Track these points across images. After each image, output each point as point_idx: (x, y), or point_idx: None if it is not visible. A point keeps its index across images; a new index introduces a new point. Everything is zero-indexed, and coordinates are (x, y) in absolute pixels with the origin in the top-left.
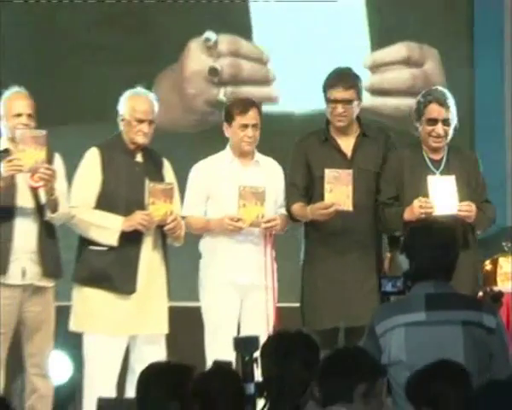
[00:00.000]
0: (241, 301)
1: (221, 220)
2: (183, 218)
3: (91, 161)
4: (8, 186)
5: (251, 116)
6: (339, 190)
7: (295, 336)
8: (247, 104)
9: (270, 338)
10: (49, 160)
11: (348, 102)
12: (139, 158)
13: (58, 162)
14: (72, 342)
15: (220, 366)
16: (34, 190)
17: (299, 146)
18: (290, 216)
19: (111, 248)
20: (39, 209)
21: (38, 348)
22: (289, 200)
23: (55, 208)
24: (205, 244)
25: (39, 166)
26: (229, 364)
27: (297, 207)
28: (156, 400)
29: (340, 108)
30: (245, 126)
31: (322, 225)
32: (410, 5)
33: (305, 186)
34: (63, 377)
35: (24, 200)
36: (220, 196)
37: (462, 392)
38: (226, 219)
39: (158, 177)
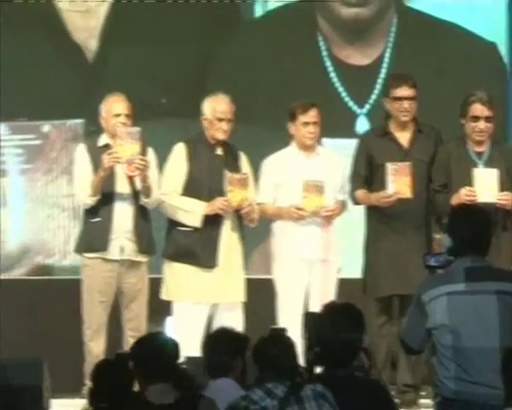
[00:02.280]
0: (309, 273)
1: (288, 209)
2: (258, 204)
3: (179, 153)
4: (108, 175)
5: (311, 115)
6: (400, 181)
7: (344, 308)
8: (308, 105)
9: (323, 309)
10: (143, 152)
11: (412, 98)
12: (219, 151)
13: (151, 154)
14: (164, 309)
15: (277, 332)
16: (130, 179)
17: (361, 140)
18: (353, 200)
19: (195, 229)
20: (135, 195)
21: (135, 314)
22: (353, 187)
23: (148, 194)
24: (276, 225)
25: (135, 158)
26: (284, 330)
27: (361, 194)
28: (221, 358)
29: (405, 104)
30: (306, 124)
31: (383, 209)
32: None
33: (366, 175)
34: None
35: (122, 186)
36: (288, 184)
37: None
38: (292, 208)
39: (235, 168)
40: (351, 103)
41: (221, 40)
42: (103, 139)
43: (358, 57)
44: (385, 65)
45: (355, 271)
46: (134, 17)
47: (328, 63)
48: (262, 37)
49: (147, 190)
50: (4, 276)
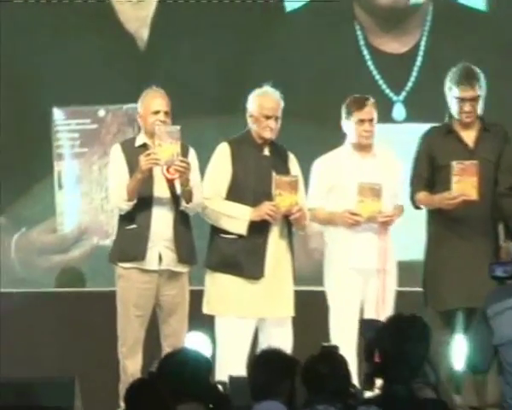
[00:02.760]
0: (364, 284)
1: (342, 214)
2: (309, 209)
3: (222, 154)
4: (146, 178)
5: (367, 111)
6: (465, 181)
7: (410, 320)
8: (363, 100)
9: (387, 321)
10: (184, 153)
11: (475, 99)
12: (266, 152)
13: (192, 156)
14: (206, 324)
15: (328, 350)
16: (170, 182)
17: (423, 139)
18: (414, 203)
19: (240, 236)
20: (175, 199)
21: (174, 330)
22: (415, 189)
23: (189, 199)
24: (329, 233)
25: (174, 160)
26: (335, 347)
27: (423, 196)
28: (268, 379)
29: (467, 106)
30: (362, 121)
31: (446, 212)
32: None
33: (428, 176)
34: None
35: (161, 190)
36: (341, 188)
37: None
38: (346, 213)
39: (284, 169)
40: (387, 91)
41: (260, 33)
42: (140, 139)
43: (395, 45)
44: (421, 53)
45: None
46: (180, 9)
47: (365, 51)
48: (300, 28)
49: (187, 195)
50: (34, 288)
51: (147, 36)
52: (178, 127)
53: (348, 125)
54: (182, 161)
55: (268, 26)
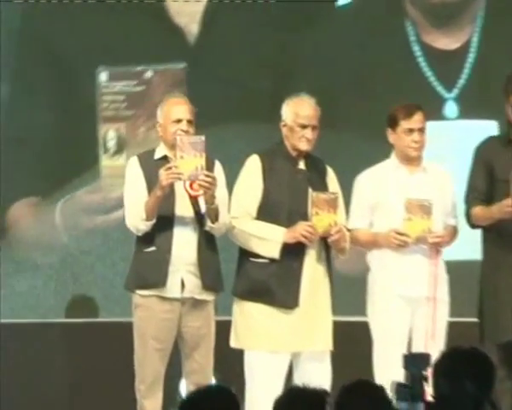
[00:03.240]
0: (412, 314)
1: (387, 234)
2: (349, 230)
3: (252, 168)
4: (166, 195)
5: (416, 120)
6: None
7: (470, 354)
8: (412, 108)
9: (442, 355)
10: (209, 167)
11: None
12: (302, 165)
13: (218, 169)
14: (234, 360)
15: (366, 382)
16: (193, 199)
17: (480, 150)
18: (469, 220)
19: (272, 260)
20: (199, 219)
21: (199, 365)
22: (470, 204)
23: (215, 218)
24: (373, 256)
25: (199, 174)
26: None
27: (479, 210)
28: None
29: None
30: (410, 131)
31: (504, 229)
32: None
33: (486, 190)
34: None
35: (183, 209)
36: (386, 206)
37: None
38: (392, 232)
39: (321, 185)
40: (439, 88)
41: (304, 30)
42: (160, 150)
43: (446, 41)
44: (473, 49)
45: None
46: (229, 7)
47: (415, 48)
48: (347, 25)
49: (213, 213)
50: (40, 319)
51: (196, 31)
52: (203, 137)
53: (394, 135)
54: (207, 176)
55: (316, 22)
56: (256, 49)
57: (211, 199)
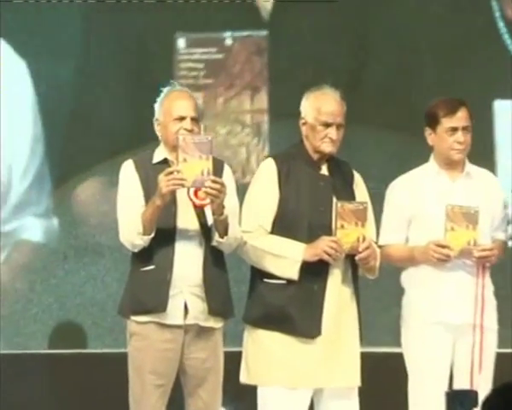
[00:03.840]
0: (454, 344)
1: (425, 248)
2: (380, 246)
3: (267, 174)
4: (167, 204)
5: (460, 117)
6: None
7: None
8: (454, 103)
9: (493, 392)
10: (217, 171)
11: None
12: (324, 170)
13: (227, 174)
14: (245, 397)
15: None
16: (199, 209)
17: None
18: None
19: (291, 281)
20: (205, 232)
21: (205, 404)
22: None
23: (224, 232)
24: (408, 276)
25: (205, 180)
26: None
27: None
28: None
29: None
30: (454, 130)
31: None
32: None
33: None
34: None
35: (186, 221)
36: (424, 217)
37: None
38: (431, 245)
39: (348, 194)
40: None
41: (383, 3)
42: (160, 153)
43: None
44: None
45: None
46: None
47: (500, 24)
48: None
49: (222, 226)
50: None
51: (270, 7)
52: (210, 137)
53: (434, 135)
54: (214, 182)
55: None
56: (332, 25)
57: (219, 209)
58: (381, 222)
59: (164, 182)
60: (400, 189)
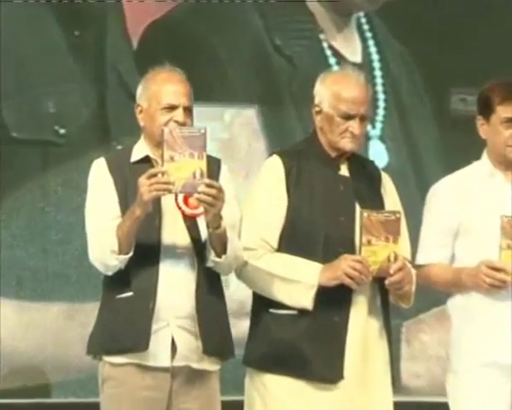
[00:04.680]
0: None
1: (475, 270)
2: (418, 266)
3: (273, 176)
4: (149, 215)
5: None
6: None
7: None
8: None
9: None
10: (213, 172)
11: None
12: (345, 171)
13: (224, 174)
14: None
15: None
16: (190, 221)
17: None
18: None
19: (304, 311)
20: (197, 251)
21: None
22: None
23: (222, 249)
24: (454, 306)
25: (197, 183)
26: None
27: None
28: None
29: None
30: (511, 122)
31: None
32: None
33: None
34: None
35: (174, 236)
36: (475, 230)
37: None
38: (482, 266)
39: (375, 200)
40: None
41: None
42: (140, 149)
43: None
44: None
45: None
46: None
47: None
48: None
49: (219, 242)
50: None
51: None
52: (203, 129)
53: (487, 126)
54: (209, 186)
55: None
56: None
57: (215, 221)
58: (420, 235)
59: (145, 187)
60: (445, 194)
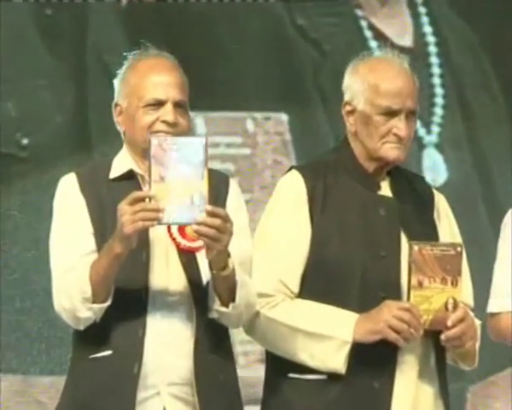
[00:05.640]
0: None
1: None
2: (490, 314)
3: (291, 197)
4: (134, 251)
5: None
6: None
7: None
8: None
9: None
10: (218, 193)
11: None
12: (386, 190)
13: (234, 195)
14: None
15: None
16: (187, 257)
17: None
18: None
19: (334, 376)
20: (196, 297)
21: None
22: None
23: (229, 296)
24: None
25: (195, 212)
26: None
27: None
28: None
29: None
30: None
31: None
32: None
33: None
34: None
35: (165, 278)
36: None
37: None
38: None
39: (427, 229)
40: None
41: None
42: (122, 162)
43: None
44: None
45: None
46: None
47: None
48: None
49: (226, 287)
50: None
51: None
52: (203, 139)
53: None
54: (212, 215)
55: None
56: None
57: (221, 260)
58: (493, 275)
59: (127, 215)
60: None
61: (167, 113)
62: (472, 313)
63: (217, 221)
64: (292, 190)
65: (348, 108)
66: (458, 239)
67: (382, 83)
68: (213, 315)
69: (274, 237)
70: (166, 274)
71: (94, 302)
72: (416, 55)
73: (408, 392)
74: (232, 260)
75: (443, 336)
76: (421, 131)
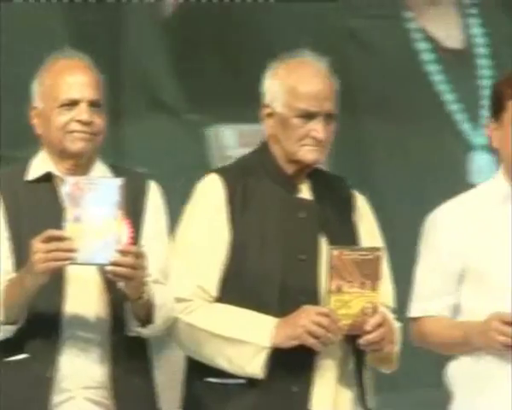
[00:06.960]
0: None
1: (485, 325)
2: (412, 318)
3: (210, 201)
4: (50, 281)
5: None
6: None
7: None
8: None
9: None
10: (135, 194)
11: None
12: (306, 192)
13: (154, 197)
14: None
15: None
16: (106, 283)
17: None
18: None
19: (253, 380)
20: (115, 317)
21: None
22: None
23: (147, 317)
24: (459, 373)
25: (109, 253)
26: None
27: None
28: None
29: None
30: None
31: None
32: None
33: None
34: None
35: (82, 287)
36: (484, 270)
37: None
38: (494, 321)
39: (346, 232)
40: None
41: None
42: (40, 164)
43: None
44: None
45: None
46: None
47: None
48: None
49: (144, 311)
50: None
51: None
52: (119, 181)
53: (499, 131)
54: (124, 253)
55: None
56: None
57: (136, 292)
58: (415, 279)
59: (40, 254)
60: (446, 224)
61: (82, 112)
62: (392, 315)
63: (130, 260)
64: (210, 194)
65: (267, 110)
66: (379, 240)
67: (300, 85)
68: (132, 334)
69: (191, 242)
70: (84, 283)
71: (5, 324)
72: (465, 57)
73: (327, 396)
74: (149, 288)
75: (361, 341)
76: (470, 133)
